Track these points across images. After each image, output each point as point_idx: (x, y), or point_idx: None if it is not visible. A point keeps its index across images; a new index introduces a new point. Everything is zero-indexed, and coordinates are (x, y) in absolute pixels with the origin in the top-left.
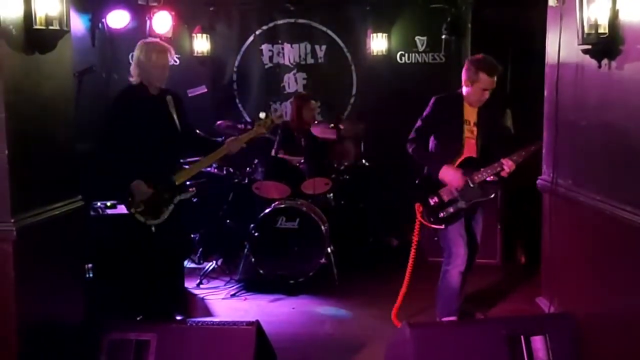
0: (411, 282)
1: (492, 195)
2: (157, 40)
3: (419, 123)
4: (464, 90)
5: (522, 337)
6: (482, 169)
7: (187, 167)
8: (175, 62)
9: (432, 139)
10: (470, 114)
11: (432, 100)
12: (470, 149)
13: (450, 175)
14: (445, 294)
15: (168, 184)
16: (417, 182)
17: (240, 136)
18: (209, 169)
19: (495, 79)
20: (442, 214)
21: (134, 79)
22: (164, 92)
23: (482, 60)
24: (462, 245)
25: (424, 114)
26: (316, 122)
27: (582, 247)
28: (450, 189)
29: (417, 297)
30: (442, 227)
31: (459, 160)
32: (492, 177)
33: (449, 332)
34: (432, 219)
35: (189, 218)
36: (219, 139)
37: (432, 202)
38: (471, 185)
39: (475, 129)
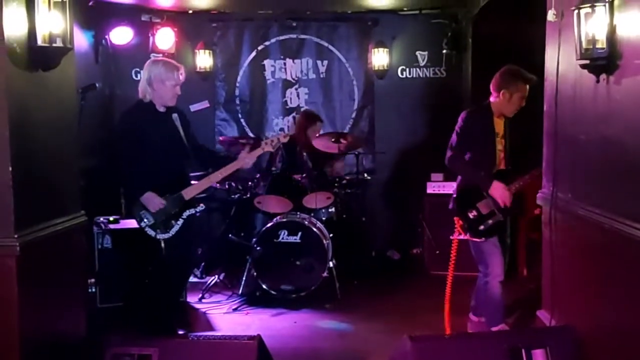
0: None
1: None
2: (168, 59)
3: (455, 139)
4: (496, 101)
5: (523, 350)
6: (517, 179)
7: (195, 182)
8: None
9: (467, 153)
10: (499, 126)
11: (463, 115)
12: (501, 162)
13: (500, 191)
14: (491, 305)
15: (178, 199)
16: (454, 195)
17: (253, 152)
18: (220, 178)
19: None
20: (482, 227)
21: (142, 97)
22: (170, 110)
23: (519, 70)
24: (498, 254)
25: (458, 129)
26: (317, 135)
27: (583, 260)
28: (488, 202)
29: (420, 310)
30: (483, 240)
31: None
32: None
33: (450, 345)
34: (471, 233)
35: (194, 233)
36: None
37: (471, 215)
38: None
39: (503, 141)
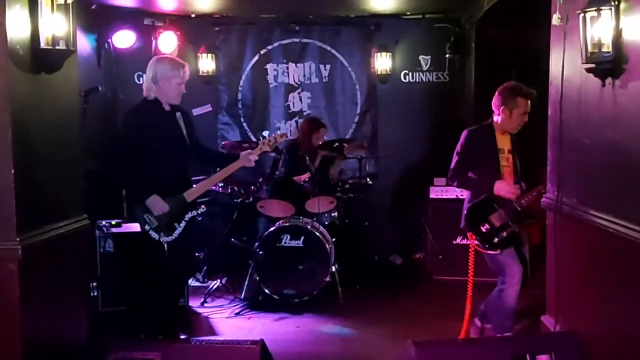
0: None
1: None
2: (173, 56)
3: (455, 159)
4: (497, 119)
5: (527, 355)
6: (528, 192)
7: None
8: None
9: (470, 172)
10: (504, 142)
11: (464, 134)
12: (508, 178)
13: (504, 188)
14: (502, 313)
15: (180, 201)
16: (465, 212)
17: (254, 150)
18: (214, 187)
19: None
20: (496, 240)
21: (147, 95)
22: (174, 108)
23: (517, 86)
24: (516, 264)
25: (458, 148)
26: (321, 141)
27: (587, 265)
28: (500, 214)
29: (422, 315)
30: (498, 252)
31: None
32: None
33: (455, 350)
34: (487, 246)
35: (195, 236)
36: None
37: (483, 229)
38: (519, 209)
39: (510, 156)
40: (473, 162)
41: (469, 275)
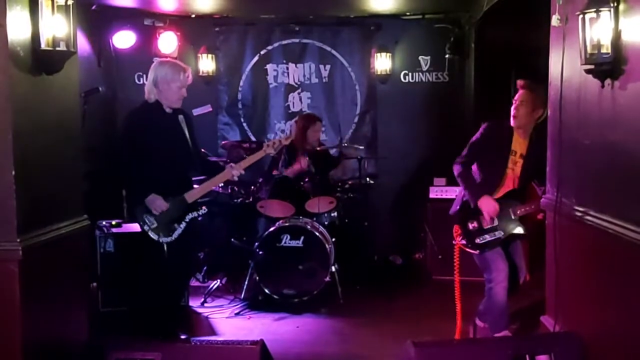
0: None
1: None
2: (175, 60)
3: (467, 148)
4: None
5: (527, 356)
6: (527, 202)
7: (197, 186)
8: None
9: (475, 165)
10: (520, 145)
11: (483, 126)
12: (508, 181)
13: (487, 204)
14: (494, 311)
15: (180, 202)
16: (458, 207)
17: (241, 162)
18: (214, 187)
19: (526, 91)
20: (478, 240)
21: (148, 98)
22: (176, 111)
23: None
24: (501, 261)
25: (473, 139)
26: (318, 136)
27: (587, 266)
28: (491, 217)
29: (422, 315)
30: (477, 252)
31: (502, 192)
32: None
33: (454, 351)
34: (468, 244)
35: (195, 237)
36: (224, 159)
37: (470, 226)
38: (512, 217)
39: (520, 160)
40: (481, 155)
41: (455, 274)
